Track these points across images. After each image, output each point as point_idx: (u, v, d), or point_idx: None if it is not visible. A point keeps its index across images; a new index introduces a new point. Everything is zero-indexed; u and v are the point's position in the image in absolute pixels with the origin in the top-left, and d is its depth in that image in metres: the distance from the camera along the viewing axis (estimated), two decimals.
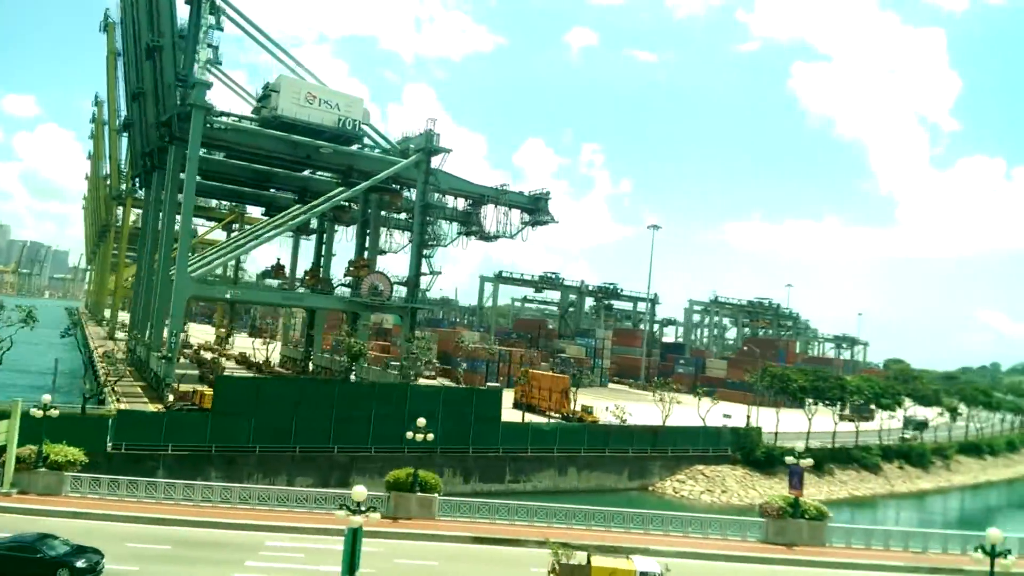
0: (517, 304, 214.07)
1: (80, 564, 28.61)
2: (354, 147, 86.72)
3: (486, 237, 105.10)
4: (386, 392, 53.27)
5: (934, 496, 73.20)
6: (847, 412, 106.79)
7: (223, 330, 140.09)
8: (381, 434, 49.81)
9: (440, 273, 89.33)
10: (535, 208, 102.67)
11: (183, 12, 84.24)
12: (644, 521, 38.03)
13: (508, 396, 76.17)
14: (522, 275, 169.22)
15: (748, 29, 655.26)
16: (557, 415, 78.85)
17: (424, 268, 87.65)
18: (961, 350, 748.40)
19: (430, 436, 37.07)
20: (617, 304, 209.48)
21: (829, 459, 72.85)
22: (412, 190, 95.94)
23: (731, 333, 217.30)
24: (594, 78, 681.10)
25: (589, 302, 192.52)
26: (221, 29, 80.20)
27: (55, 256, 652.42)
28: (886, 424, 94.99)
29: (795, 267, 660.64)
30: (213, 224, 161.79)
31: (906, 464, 78.97)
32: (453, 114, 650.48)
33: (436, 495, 36.97)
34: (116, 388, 60.14)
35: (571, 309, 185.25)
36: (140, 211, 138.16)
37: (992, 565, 24.07)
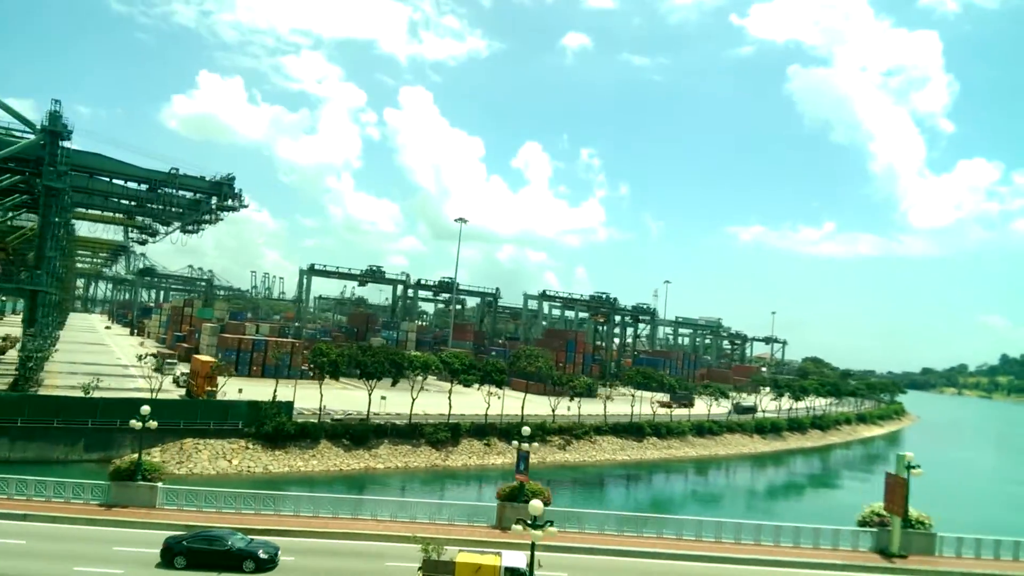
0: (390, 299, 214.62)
1: (263, 555, 30.93)
2: None
3: (164, 222, 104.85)
4: None
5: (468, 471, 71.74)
6: (666, 399, 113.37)
7: None
8: None
9: (55, 256, 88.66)
10: (218, 193, 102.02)
11: None
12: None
13: None
14: (337, 268, 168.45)
15: (743, 33, 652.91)
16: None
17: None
18: (960, 352, 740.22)
19: None
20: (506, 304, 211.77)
21: (392, 434, 72.19)
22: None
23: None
24: (590, 82, 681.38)
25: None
26: None
27: None
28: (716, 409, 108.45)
29: (793, 270, 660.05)
30: None
31: (498, 440, 77.80)
32: (450, 118, 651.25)
33: None
34: None
35: (399, 303, 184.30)
36: None
37: None
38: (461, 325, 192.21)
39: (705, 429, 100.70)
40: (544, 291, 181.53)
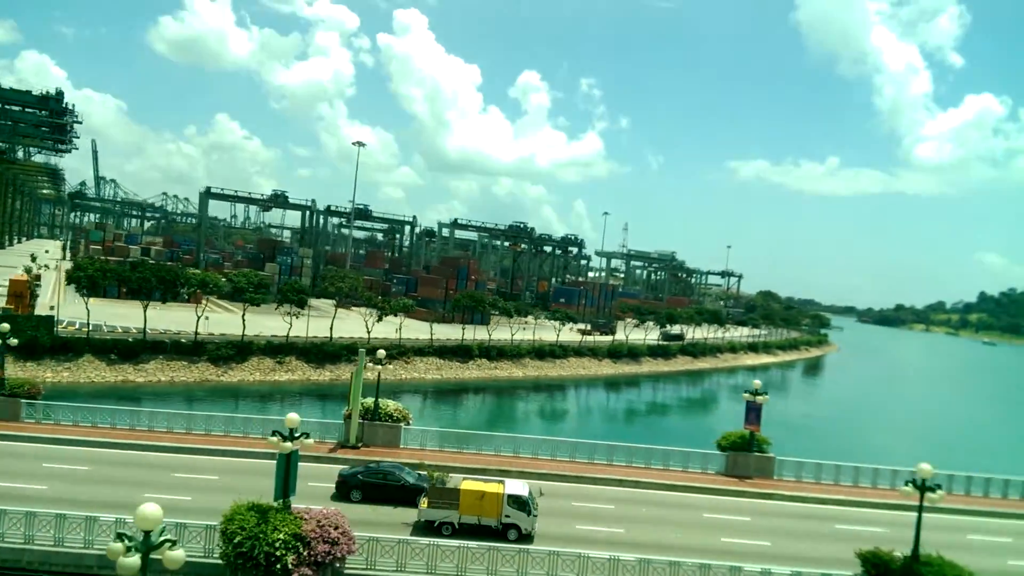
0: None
1: None
2: None
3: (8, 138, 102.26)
4: None
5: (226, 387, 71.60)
6: (585, 327, 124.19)
7: None
8: None
9: None
10: (47, 108, 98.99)
11: None
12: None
13: None
14: (236, 191, 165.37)
15: None
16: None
17: None
18: (952, 291, 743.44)
19: None
20: (463, 234, 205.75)
21: (172, 351, 71.80)
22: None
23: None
24: (591, 7, 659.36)
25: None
26: None
27: None
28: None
29: (791, 208, 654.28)
30: None
31: (295, 359, 77.87)
32: (446, 44, 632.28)
33: None
34: None
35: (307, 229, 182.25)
36: None
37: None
38: (375, 252, 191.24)
39: (547, 352, 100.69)
40: (455, 219, 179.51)
